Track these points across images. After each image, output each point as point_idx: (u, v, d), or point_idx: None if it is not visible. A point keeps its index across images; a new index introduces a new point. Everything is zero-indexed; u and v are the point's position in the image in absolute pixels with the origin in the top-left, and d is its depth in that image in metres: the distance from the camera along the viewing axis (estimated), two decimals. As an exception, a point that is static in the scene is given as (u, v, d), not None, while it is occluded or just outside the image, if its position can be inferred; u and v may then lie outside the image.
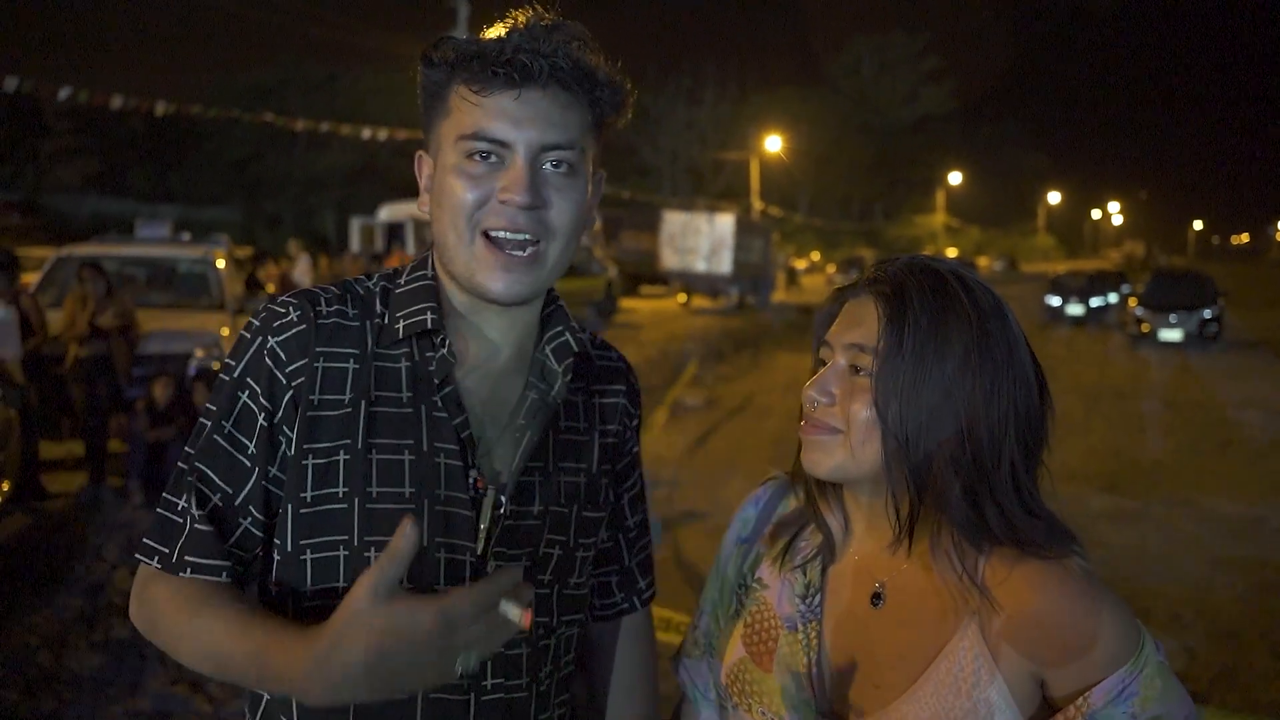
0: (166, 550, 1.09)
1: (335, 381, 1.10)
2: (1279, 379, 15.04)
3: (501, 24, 1.10)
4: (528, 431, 1.14)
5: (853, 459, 1.04)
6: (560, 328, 1.21)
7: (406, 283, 1.17)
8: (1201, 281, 20.63)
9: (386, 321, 1.14)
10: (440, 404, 1.11)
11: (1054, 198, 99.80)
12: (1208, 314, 19.49)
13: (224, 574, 1.08)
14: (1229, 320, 20.56)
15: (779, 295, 31.66)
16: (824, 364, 1.11)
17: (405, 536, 0.89)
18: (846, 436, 1.05)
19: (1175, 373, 15.85)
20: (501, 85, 1.07)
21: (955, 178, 76.35)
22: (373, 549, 1.07)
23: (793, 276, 38.58)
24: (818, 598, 1.12)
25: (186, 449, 1.12)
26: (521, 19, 1.09)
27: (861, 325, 1.06)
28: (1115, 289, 27.06)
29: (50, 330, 7.07)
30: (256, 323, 1.12)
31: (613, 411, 1.27)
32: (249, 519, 1.10)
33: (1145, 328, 19.84)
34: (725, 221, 26.15)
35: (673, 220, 26.60)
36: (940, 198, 77.01)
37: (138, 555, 1.12)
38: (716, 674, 1.21)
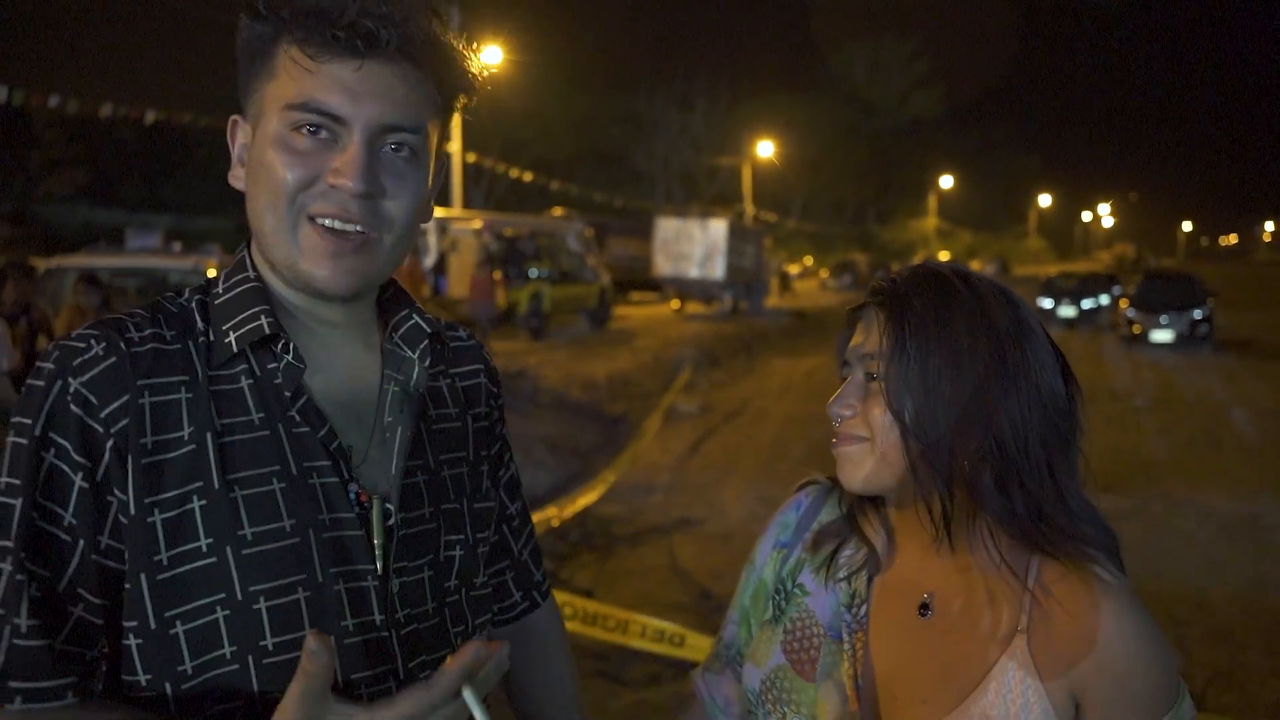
0: None
1: (168, 417, 0.93)
2: (1269, 378, 15.08)
3: None
4: (399, 428, 1.03)
5: (883, 463, 1.04)
6: (405, 310, 1.09)
7: (225, 290, 1.02)
8: (1191, 282, 20.68)
9: (213, 338, 0.99)
10: (299, 418, 0.97)
11: (1045, 200, 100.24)
12: (1198, 314, 19.53)
13: (70, 693, 0.88)
14: (1219, 320, 20.60)
15: (772, 300, 31.65)
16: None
17: (313, 656, 0.77)
18: (873, 443, 1.05)
19: (1167, 373, 15.89)
20: (342, 52, 0.94)
21: (947, 181, 76.61)
22: (262, 600, 0.92)
23: (786, 281, 38.61)
24: (864, 608, 1.11)
25: None
26: None
27: (870, 335, 1.07)
28: (1106, 290, 27.10)
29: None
30: (49, 365, 0.92)
31: (477, 391, 1.19)
32: (80, 605, 0.90)
33: (1137, 329, 19.88)
34: (718, 227, 26.15)
35: (666, 226, 26.59)
36: (932, 201, 77.22)
37: None
38: (750, 680, 1.17)
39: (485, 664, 0.81)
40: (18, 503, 0.90)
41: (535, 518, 1.32)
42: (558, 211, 28.39)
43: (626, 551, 6.33)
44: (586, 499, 6.88)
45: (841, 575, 1.13)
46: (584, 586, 5.45)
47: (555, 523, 6.42)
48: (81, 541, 0.91)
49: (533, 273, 19.00)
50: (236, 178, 1.03)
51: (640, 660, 4.39)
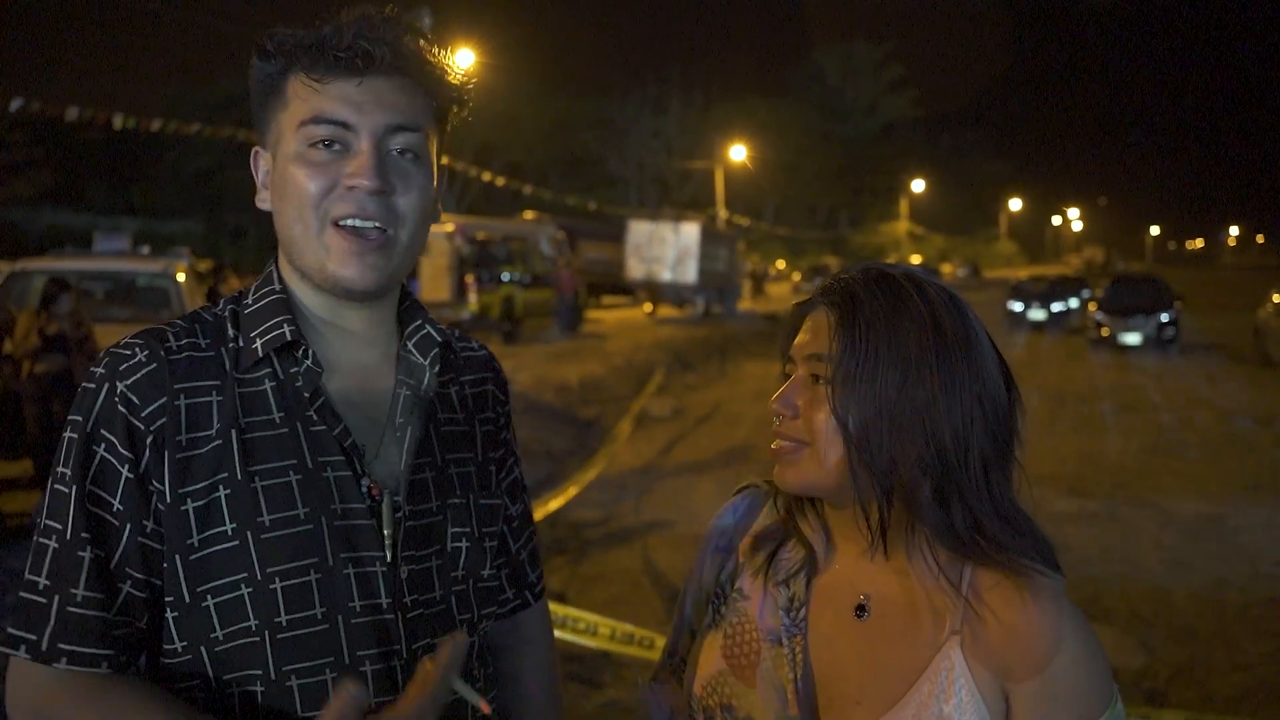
0: (34, 637, 0.99)
1: (200, 417, 1.04)
2: (1234, 381, 15.33)
3: (339, 16, 1.09)
4: (408, 429, 1.12)
5: (821, 469, 1.03)
6: (419, 321, 1.19)
7: (254, 301, 1.13)
8: (1158, 286, 20.97)
9: (242, 344, 1.09)
10: (316, 417, 1.07)
11: (1015, 205, 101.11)
12: (1165, 318, 19.82)
13: (104, 664, 1.00)
14: (1185, 324, 20.92)
15: (745, 303, 31.80)
16: (789, 379, 1.10)
17: (349, 697, 0.88)
18: (813, 447, 1.04)
19: (1135, 375, 16.10)
20: (343, 72, 1.06)
21: (918, 185, 77.17)
22: (277, 580, 1.02)
23: (759, 285, 38.78)
24: (802, 611, 1.10)
25: (47, 521, 1.02)
26: (357, 10, 1.08)
27: (818, 335, 1.06)
28: (1076, 294, 27.43)
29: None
30: (100, 369, 1.05)
31: (484, 399, 1.27)
32: (129, 582, 1.02)
33: (1105, 332, 20.15)
34: (691, 230, 26.23)
35: (638, 230, 26.64)
36: (904, 205, 77.80)
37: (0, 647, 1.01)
38: (691, 684, 1.16)
39: (459, 653, 0.94)
40: (72, 490, 1.02)
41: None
42: (530, 215, 28.36)
43: (599, 555, 6.34)
44: (559, 502, 6.88)
45: (780, 578, 1.13)
46: (556, 590, 5.46)
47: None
48: (129, 525, 1.02)
49: (505, 276, 18.97)
50: (263, 200, 1.14)
51: (612, 662, 4.41)
